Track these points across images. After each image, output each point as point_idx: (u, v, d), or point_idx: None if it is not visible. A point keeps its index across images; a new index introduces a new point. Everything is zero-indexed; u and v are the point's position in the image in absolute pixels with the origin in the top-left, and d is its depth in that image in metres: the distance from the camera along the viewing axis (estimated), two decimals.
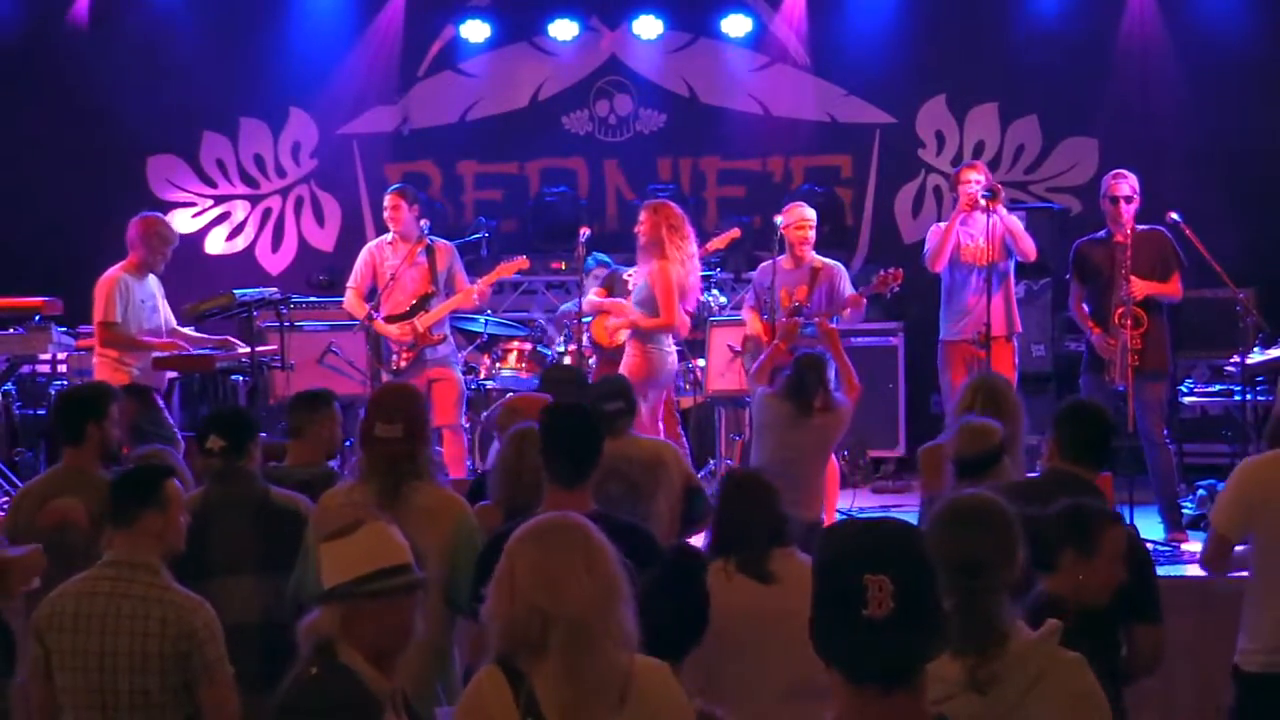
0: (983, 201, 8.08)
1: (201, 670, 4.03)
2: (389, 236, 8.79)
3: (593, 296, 8.86)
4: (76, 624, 4.02)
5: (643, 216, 8.24)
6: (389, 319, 8.66)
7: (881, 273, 8.39)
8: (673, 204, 8.44)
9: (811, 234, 8.48)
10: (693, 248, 8.25)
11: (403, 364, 8.59)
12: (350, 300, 8.81)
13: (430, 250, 8.70)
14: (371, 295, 8.75)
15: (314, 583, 3.80)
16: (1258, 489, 4.91)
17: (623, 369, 8.10)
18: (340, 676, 3.22)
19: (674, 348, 8.39)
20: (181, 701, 4.06)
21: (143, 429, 7.31)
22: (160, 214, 8.91)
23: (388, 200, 8.77)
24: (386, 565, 3.29)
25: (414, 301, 8.64)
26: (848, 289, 8.37)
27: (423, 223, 8.90)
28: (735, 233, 9.32)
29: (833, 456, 7.59)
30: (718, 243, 9.10)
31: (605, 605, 3.00)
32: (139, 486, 4.18)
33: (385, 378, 8.56)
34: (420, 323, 8.59)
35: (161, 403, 8.18)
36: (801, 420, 6.63)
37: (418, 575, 3.35)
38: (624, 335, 8.54)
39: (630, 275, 8.83)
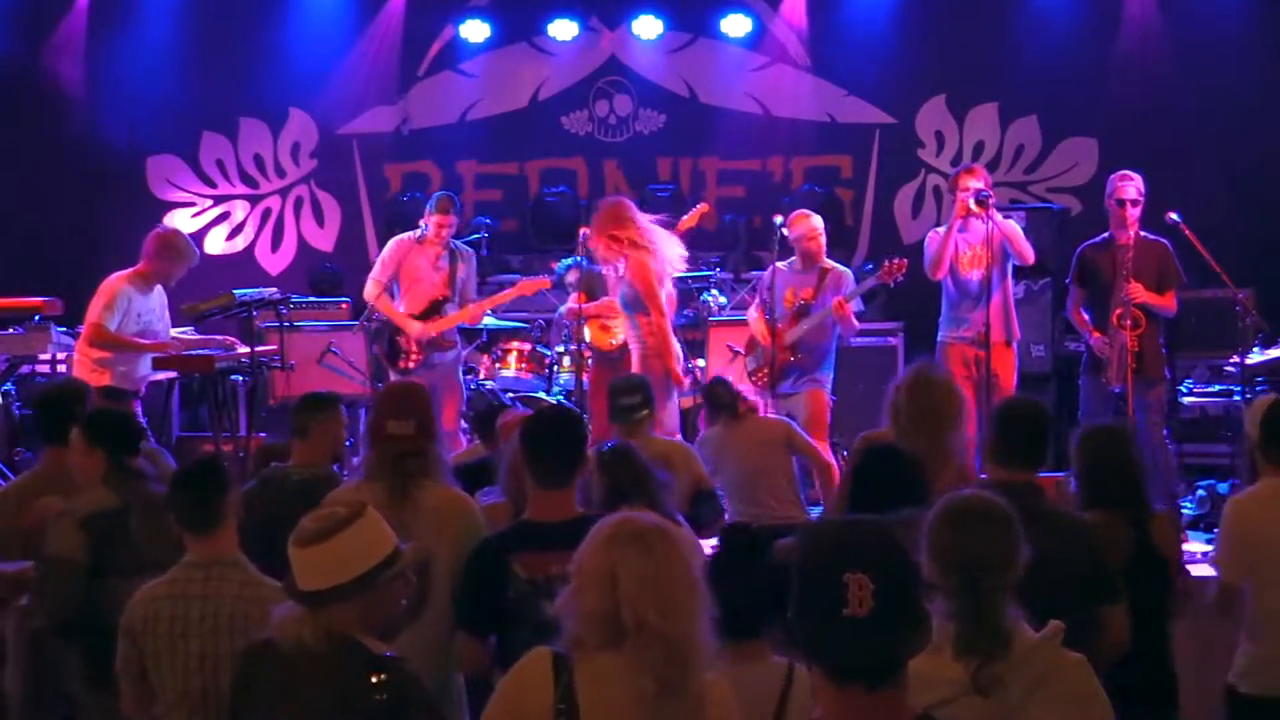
0: (974, 207, 8.08)
1: None
2: (417, 234, 8.83)
3: (572, 303, 8.82)
4: (173, 627, 4.01)
5: (592, 236, 8.03)
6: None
7: (886, 262, 8.41)
8: (606, 206, 8.17)
9: (823, 240, 8.50)
10: (652, 232, 8.00)
11: (411, 364, 8.66)
12: (370, 290, 8.85)
13: (454, 256, 8.79)
14: (391, 291, 8.83)
15: None
16: (1249, 525, 4.86)
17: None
18: (402, 665, 3.32)
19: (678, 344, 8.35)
20: None
21: None
22: (180, 230, 8.86)
23: (446, 220, 8.71)
24: (396, 546, 3.41)
25: (429, 305, 8.71)
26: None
27: (423, 222, 9.02)
28: (703, 207, 9.25)
29: (830, 455, 7.62)
30: (687, 221, 8.98)
31: (702, 623, 3.04)
32: (212, 484, 4.17)
33: (393, 377, 8.59)
34: (433, 327, 8.64)
35: (139, 407, 8.16)
36: (735, 429, 6.81)
37: (411, 552, 3.47)
38: (621, 336, 8.53)
39: (607, 270, 8.80)
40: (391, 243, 8.99)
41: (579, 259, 8.85)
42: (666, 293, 8.06)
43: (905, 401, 5.25)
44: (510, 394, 9.29)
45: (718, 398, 6.96)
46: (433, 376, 8.54)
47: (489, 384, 9.44)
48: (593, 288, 8.92)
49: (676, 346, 8.03)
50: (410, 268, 8.77)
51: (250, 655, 3.55)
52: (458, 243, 8.94)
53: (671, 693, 3.00)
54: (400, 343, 8.74)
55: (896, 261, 8.32)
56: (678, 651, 3.01)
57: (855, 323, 8.46)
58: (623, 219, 7.93)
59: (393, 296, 8.82)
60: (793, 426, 7.10)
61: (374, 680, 3.21)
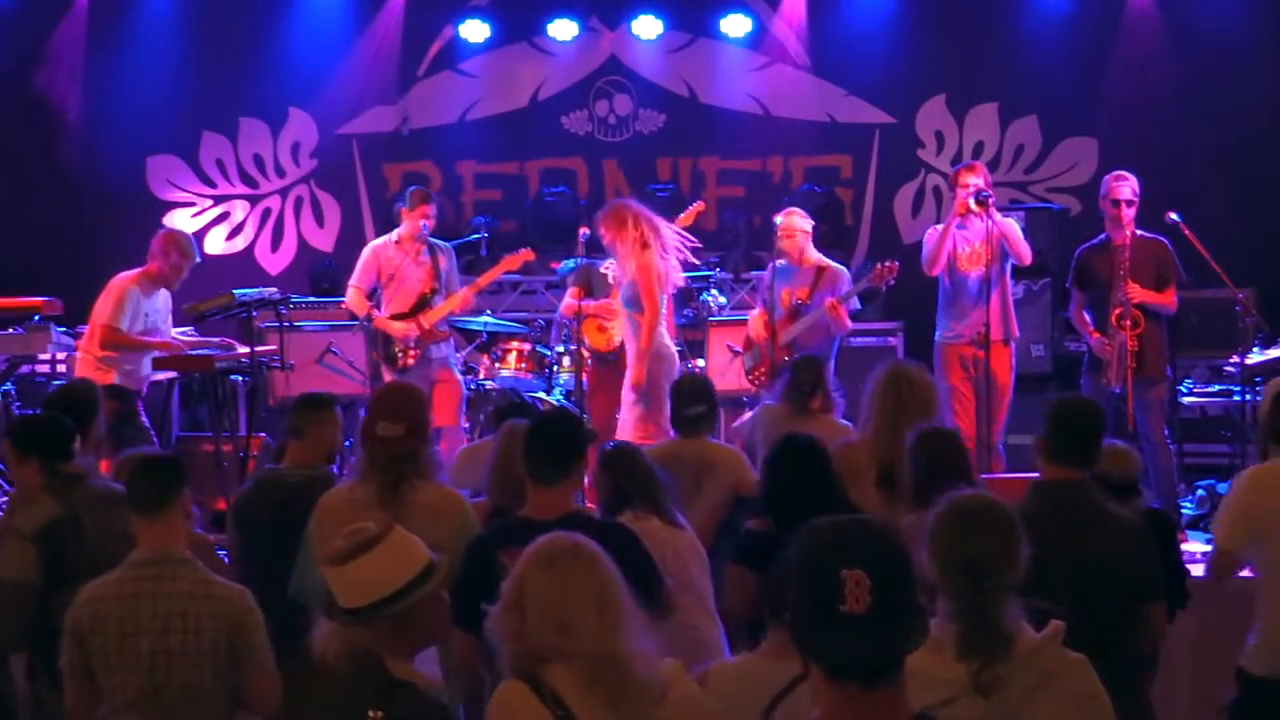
0: (974, 207, 8.09)
1: (249, 658, 4.05)
2: (393, 236, 8.85)
3: (569, 299, 8.81)
4: (123, 627, 4.00)
5: (601, 231, 8.09)
6: (393, 318, 8.72)
7: (878, 265, 8.43)
8: (624, 204, 8.25)
9: (796, 242, 8.46)
10: (665, 233, 8.12)
11: (410, 361, 8.65)
12: (353, 298, 8.87)
13: (433, 250, 8.80)
14: (373, 295, 8.82)
15: (315, 580, 3.84)
16: (1258, 497, 4.85)
17: (628, 374, 8.10)
18: (411, 697, 3.21)
19: (674, 345, 8.36)
20: (229, 688, 4.08)
21: (119, 432, 7.26)
22: (184, 231, 8.90)
23: (430, 209, 8.76)
24: (428, 563, 3.31)
25: (417, 300, 8.70)
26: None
27: (422, 222, 9.05)
28: (699, 206, 9.21)
29: None
30: (683, 220, 8.92)
31: (617, 638, 3.05)
32: (170, 472, 4.18)
33: (388, 376, 8.57)
34: (425, 320, 8.64)
35: (140, 407, 8.17)
36: (799, 422, 6.50)
37: (444, 563, 3.37)
38: (619, 338, 8.55)
39: (608, 267, 8.78)
40: (367, 249, 8.99)
41: (581, 260, 8.86)
42: (667, 295, 8.10)
43: (880, 398, 5.22)
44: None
45: (798, 382, 6.65)
46: (430, 370, 8.58)
47: (488, 384, 9.45)
48: (591, 284, 8.90)
49: (667, 348, 8.05)
50: (392, 268, 8.75)
51: (299, 654, 3.54)
52: (434, 239, 8.94)
53: (623, 698, 3.03)
54: (395, 343, 8.73)
55: (888, 264, 8.37)
56: (600, 666, 3.03)
57: (848, 322, 8.46)
58: (633, 219, 7.96)
59: (377, 304, 8.79)
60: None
61: (371, 716, 3.17)
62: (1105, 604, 3.22)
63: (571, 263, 9.37)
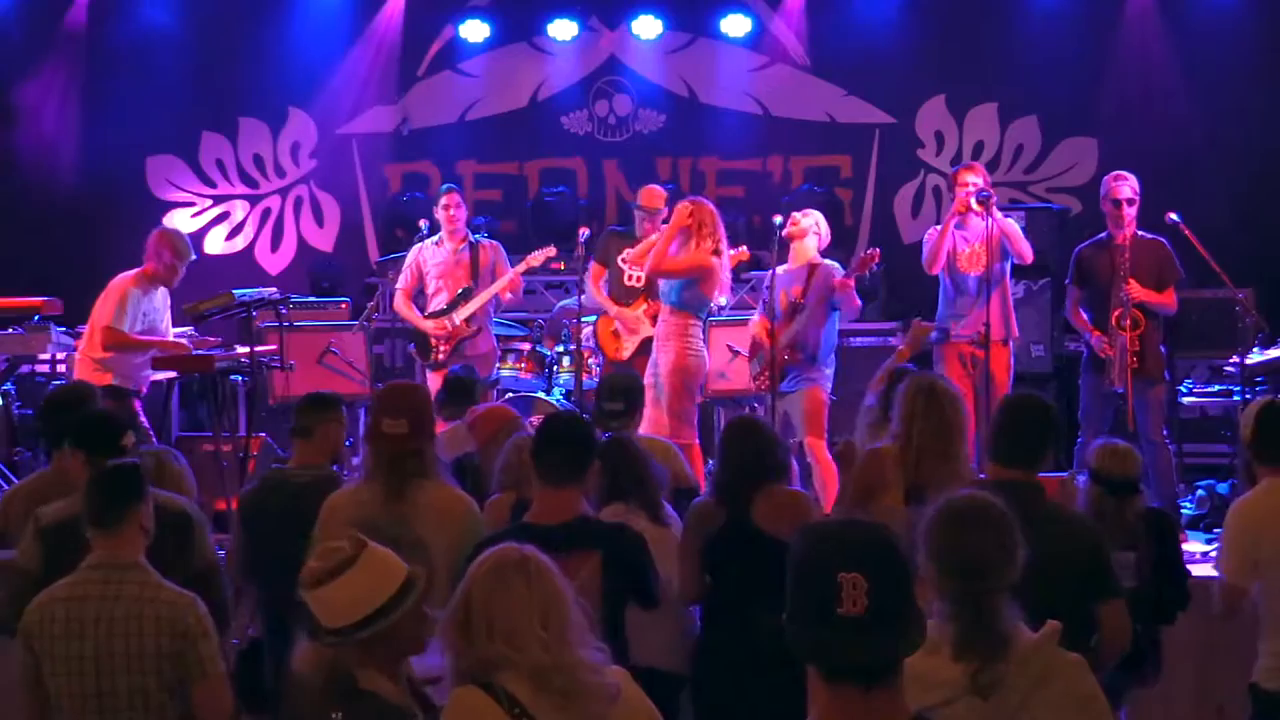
0: (975, 207, 8.09)
1: (196, 665, 4.04)
2: (435, 237, 9.00)
3: (589, 284, 8.78)
4: (69, 629, 4.00)
5: (689, 217, 8.07)
6: (431, 315, 8.90)
7: (860, 254, 8.42)
8: (712, 207, 8.29)
9: (808, 230, 8.45)
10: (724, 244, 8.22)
11: (441, 357, 8.83)
12: (399, 301, 9.07)
13: (474, 247, 8.97)
14: (420, 295, 9.04)
15: None
16: (1254, 527, 4.87)
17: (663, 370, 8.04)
18: (378, 705, 3.20)
19: (703, 345, 8.29)
20: (179, 698, 4.06)
21: None
22: (178, 229, 8.93)
23: (451, 200, 8.92)
24: (405, 579, 3.29)
25: (454, 298, 8.87)
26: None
27: (423, 222, 9.17)
28: (744, 255, 9.18)
29: (828, 453, 7.63)
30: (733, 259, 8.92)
31: (563, 648, 3.09)
32: (122, 485, 4.16)
33: (426, 372, 8.78)
34: (456, 316, 8.79)
35: (139, 406, 8.17)
36: None
37: (422, 574, 3.35)
38: (630, 349, 8.57)
39: (626, 260, 8.73)
40: (410, 251, 9.16)
41: (608, 229, 8.94)
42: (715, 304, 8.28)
43: (920, 415, 5.13)
44: (510, 394, 9.29)
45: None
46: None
47: None
48: (609, 255, 8.86)
49: (699, 353, 8.05)
50: (432, 267, 8.96)
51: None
52: (477, 235, 9.13)
53: (575, 700, 3.07)
54: (429, 339, 8.90)
55: (869, 253, 8.31)
56: (548, 676, 3.06)
57: (857, 301, 8.40)
58: (714, 223, 8.07)
59: (421, 307, 9.00)
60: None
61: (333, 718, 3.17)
62: (1048, 603, 3.20)
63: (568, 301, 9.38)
